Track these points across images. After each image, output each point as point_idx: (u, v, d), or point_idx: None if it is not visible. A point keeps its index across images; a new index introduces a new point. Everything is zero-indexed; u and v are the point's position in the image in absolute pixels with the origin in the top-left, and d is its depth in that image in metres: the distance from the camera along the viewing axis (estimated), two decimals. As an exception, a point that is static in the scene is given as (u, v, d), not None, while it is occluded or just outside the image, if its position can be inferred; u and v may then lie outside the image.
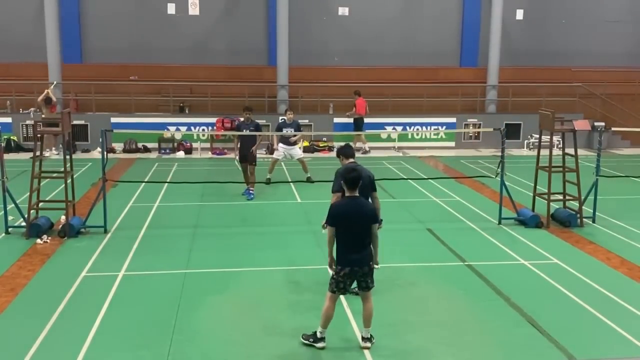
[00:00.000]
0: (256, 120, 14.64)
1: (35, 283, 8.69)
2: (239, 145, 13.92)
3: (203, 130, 21.51)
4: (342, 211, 6.64)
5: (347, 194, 6.74)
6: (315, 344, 6.75)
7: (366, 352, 6.69)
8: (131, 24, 23.72)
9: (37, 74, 21.69)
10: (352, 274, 6.68)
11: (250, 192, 13.82)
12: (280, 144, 15.10)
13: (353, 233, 6.61)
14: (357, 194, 6.74)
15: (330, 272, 6.85)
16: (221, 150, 21.03)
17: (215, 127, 21.35)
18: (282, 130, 15.03)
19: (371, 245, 6.77)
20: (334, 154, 21.00)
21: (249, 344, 6.89)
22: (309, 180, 14.83)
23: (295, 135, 15.14)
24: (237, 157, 14.03)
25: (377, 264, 6.94)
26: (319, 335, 6.77)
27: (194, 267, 9.35)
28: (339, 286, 6.70)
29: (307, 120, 21.33)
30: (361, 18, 24.53)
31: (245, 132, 13.75)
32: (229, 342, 6.96)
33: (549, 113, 11.71)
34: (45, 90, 19.68)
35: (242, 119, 14.69)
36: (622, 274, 9.25)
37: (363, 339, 6.84)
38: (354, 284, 6.93)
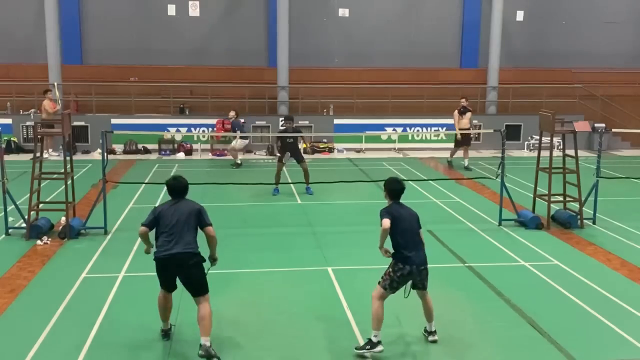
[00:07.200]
0: (296, 126, 15.64)
1: (36, 284, 8.69)
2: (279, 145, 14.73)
3: (203, 131, 21.52)
4: (396, 211, 6.68)
5: (390, 202, 6.83)
6: (374, 349, 6.54)
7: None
8: (131, 25, 23.72)
9: (37, 75, 21.70)
10: (411, 275, 6.65)
11: (309, 187, 14.51)
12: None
13: (409, 233, 6.65)
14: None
15: (386, 256, 6.73)
16: (221, 151, 21.03)
17: (215, 128, 21.35)
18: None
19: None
20: (334, 155, 21.13)
21: (249, 345, 6.89)
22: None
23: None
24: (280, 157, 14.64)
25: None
26: (374, 340, 6.57)
27: (194, 269, 9.32)
28: (392, 285, 6.66)
29: (307, 122, 21.34)
30: (361, 19, 24.51)
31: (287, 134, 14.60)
32: (229, 342, 6.95)
33: (549, 114, 11.70)
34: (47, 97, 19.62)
35: (284, 128, 15.41)
36: (623, 276, 9.24)
37: (429, 333, 6.95)
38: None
